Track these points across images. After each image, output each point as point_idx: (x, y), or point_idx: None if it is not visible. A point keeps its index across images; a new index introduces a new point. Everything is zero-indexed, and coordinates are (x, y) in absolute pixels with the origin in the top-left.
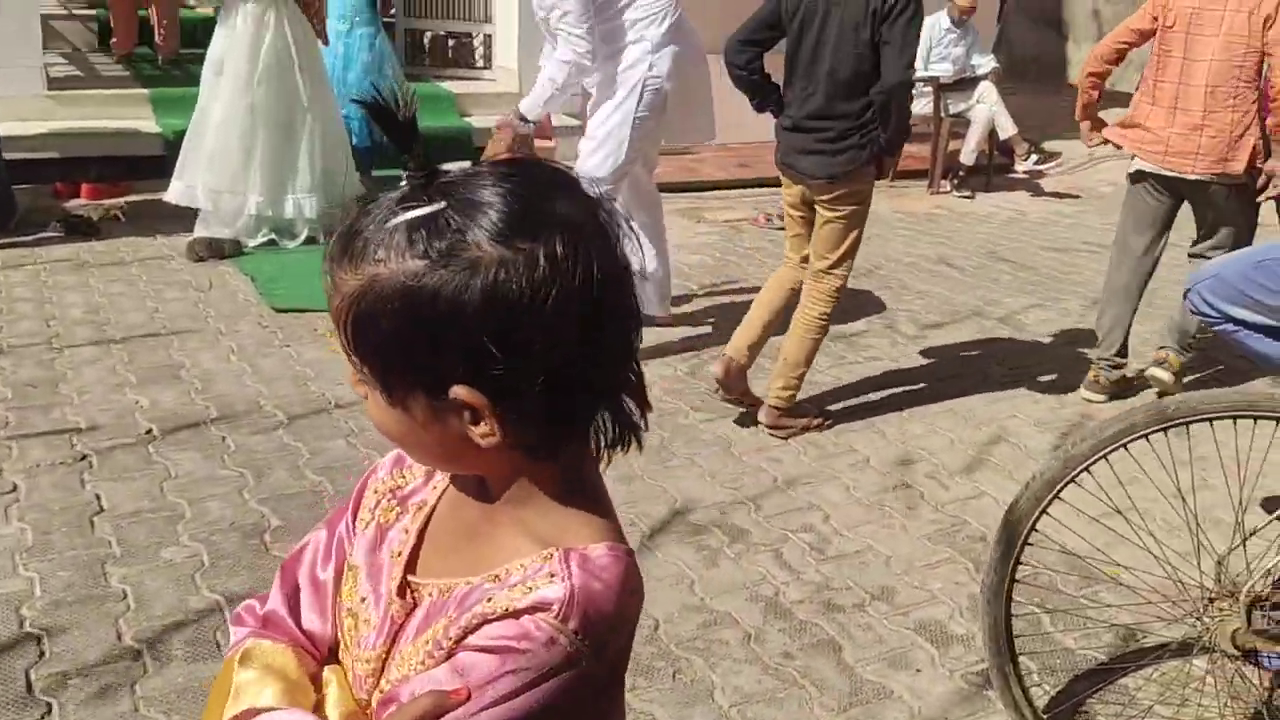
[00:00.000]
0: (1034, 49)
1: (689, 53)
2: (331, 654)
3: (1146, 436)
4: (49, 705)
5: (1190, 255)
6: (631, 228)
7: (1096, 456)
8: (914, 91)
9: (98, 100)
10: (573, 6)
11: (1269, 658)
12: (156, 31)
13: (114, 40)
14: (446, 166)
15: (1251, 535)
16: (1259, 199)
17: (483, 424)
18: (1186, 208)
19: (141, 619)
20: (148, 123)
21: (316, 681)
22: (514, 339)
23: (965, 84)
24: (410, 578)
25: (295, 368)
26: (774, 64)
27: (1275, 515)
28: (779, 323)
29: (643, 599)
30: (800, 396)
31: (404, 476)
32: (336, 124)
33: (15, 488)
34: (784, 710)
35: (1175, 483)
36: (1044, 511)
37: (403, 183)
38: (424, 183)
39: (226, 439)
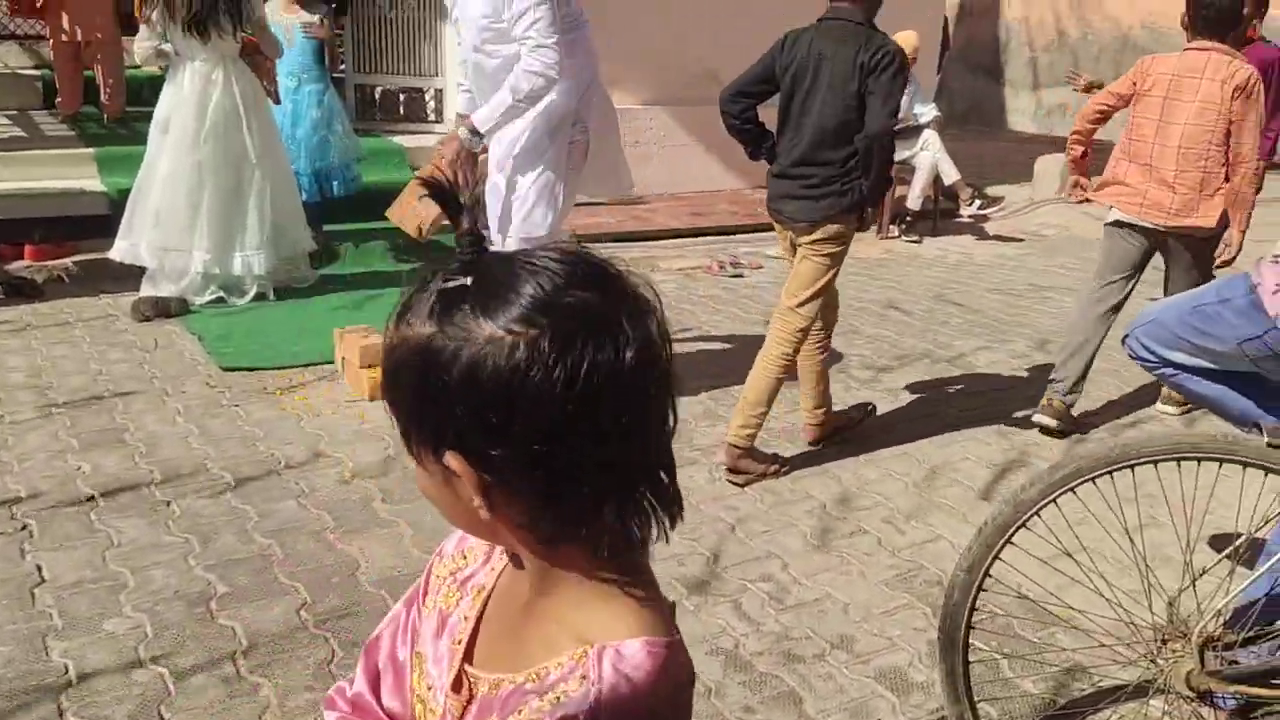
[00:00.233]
0: (974, 97)
1: (603, 102)
2: None
3: (1093, 479)
4: None
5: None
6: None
7: (1045, 501)
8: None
9: (42, 160)
10: (544, 14)
11: (1224, 698)
12: (102, 91)
13: (59, 100)
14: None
15: (1201, 575)
16: (1215, 262)
17: (475, 496)
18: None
19: (84, 694)
20: (92, 182)
21: None
22: (491, 416)
23: (909, 132)
24: (468, 667)
25: (244, 428)
26: (766, 115)
27: (1224, 554)
28: (826, 370)
29: (690, 689)
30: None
31: (464, 558)
32: (286, 180)
33: None
34: None
35: (1123, 523)
36: (996, 557)
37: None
38: (471, 256)
39: (171, 504)
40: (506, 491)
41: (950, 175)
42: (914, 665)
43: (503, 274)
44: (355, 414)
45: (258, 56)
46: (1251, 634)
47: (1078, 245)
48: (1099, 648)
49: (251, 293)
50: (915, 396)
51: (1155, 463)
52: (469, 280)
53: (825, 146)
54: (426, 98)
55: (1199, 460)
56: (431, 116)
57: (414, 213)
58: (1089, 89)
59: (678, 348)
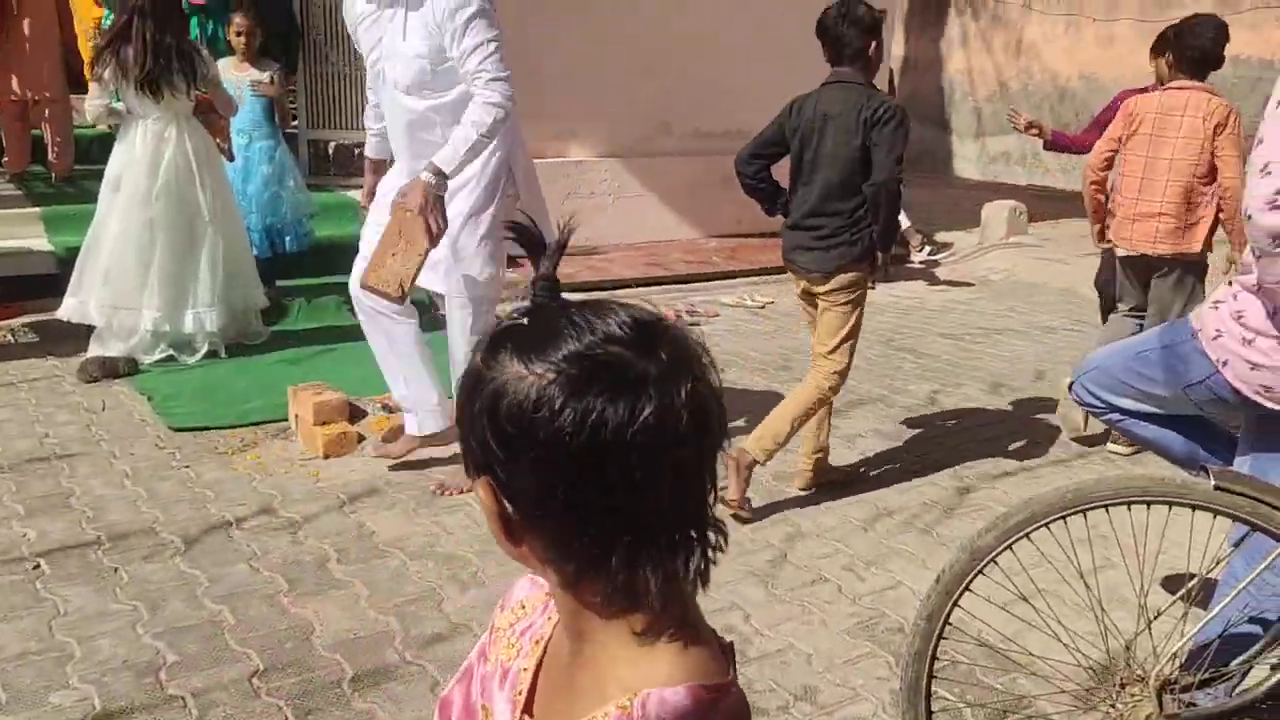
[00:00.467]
0: (921, 146)
1: (525, 155)
2: None
3: (1048, 525)
4: None
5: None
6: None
7: (1002, 547)
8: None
9: None
10: (497, 47)
11: None
12: (50, 150)
13: (6, 159)
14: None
15: (1156, 618)
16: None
17: (494, 521)
18: None
19: None
20: (40, 241)
21: None
22: (504, 448)
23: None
24: (527, 719)
25: (194, 489)
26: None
27: (1177, 596)
28: (829, 413)
29: None
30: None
31: (523, 608)
32: (240, 237)
33: None
34: None
35: (1078, 567)
36: (955, 604)
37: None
38: (543, 300)
39: (119, 570)
40: (526, 525)
41: (901, 222)
42: (878, 716)
43: (553, 319)
44: (309, 472)
45: (211, 115)
46: (1208, 675)
47: (1025, 289)
48: (1060, 693)
49: (202, 350)
50: (871, 442)
51: (1106, 507)
52: (525, 320)
53: (834, 199)
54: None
55: (1148, 504)
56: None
57: (392, 272)
58: (1029, 128)
59: None
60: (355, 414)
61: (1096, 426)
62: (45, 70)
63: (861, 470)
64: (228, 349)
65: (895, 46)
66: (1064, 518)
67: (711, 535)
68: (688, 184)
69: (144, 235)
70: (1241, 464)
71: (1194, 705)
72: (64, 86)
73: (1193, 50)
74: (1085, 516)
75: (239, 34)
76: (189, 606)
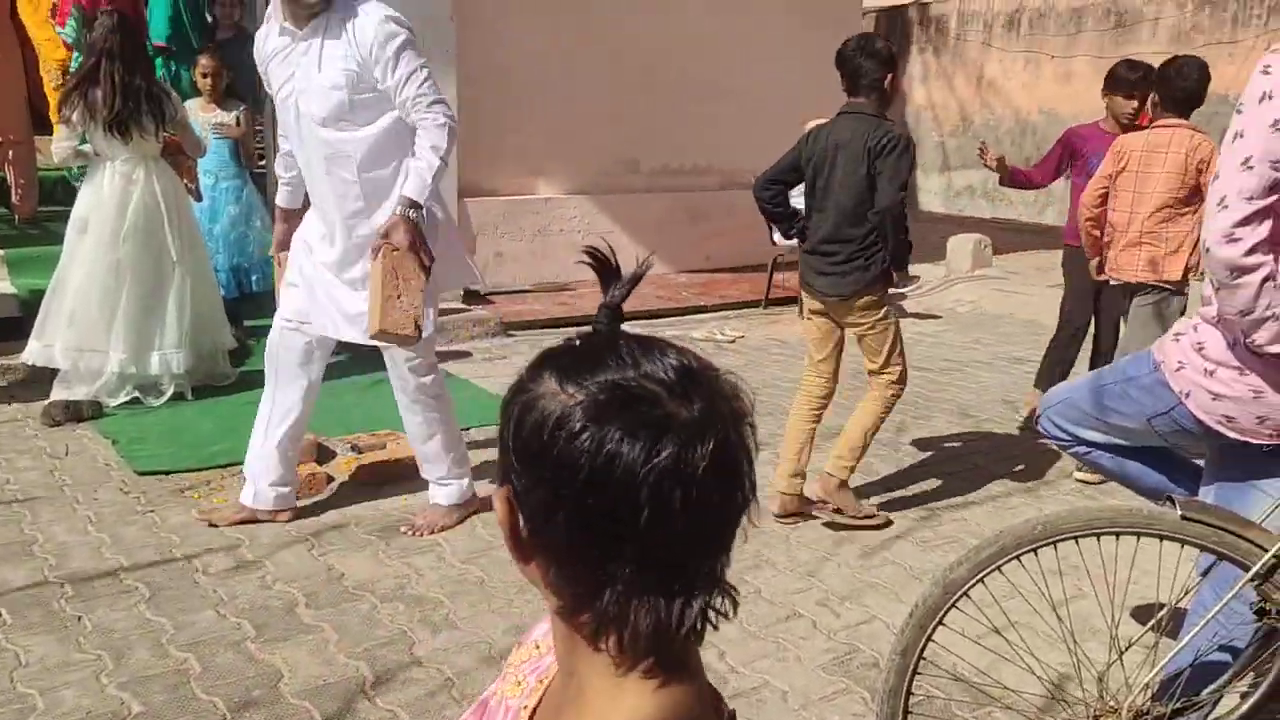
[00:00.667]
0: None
1: (439, 194)
2: None
3: (1018, 558)
4: None
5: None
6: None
7: (974, 580)
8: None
9: None
10: (428, 69)
11: None
12: (14, 192)
13: None
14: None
15: (1127, 649)
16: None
17: (504, 530)
18: None
19: None
20: (3, 284)
21: None
22: (524, 458)
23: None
24: None
25: (159, 534)
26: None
27: (1148, 626)
28: (812, 440)
29: None
30: None
31: (536, 648)
32: (207, 278)
33: None
34: None
35: (1049, 599)
36: (929, 639)
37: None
38: (602, 326)
39: (83, 618)
40: (534, 543)
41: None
42: None
43: (603, 346)
44: (281, 514)
45: (179, 156)
46: (1180, 705)
47: (991, 321)
48: None
49: (169, 392)
50: None
51: (1075, 539)
52: (578, 343)
53: (846, 225)
54: None
55: (1117, 535)
56: None
57: (404, 313)
58: (999, 163)
59: None
60: (324, 454)
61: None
62: (9, 112)
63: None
64: (194, 390)
65: None
66: (1034, 550)
67: (718, 597)
68: (657, 220)
69: (110, 277)
70: (1206, 494)
71: None
72: (28, 128)
73: (1180, 91)
74: (1055, 548)
75: (204, 75)
76: (154, 655)
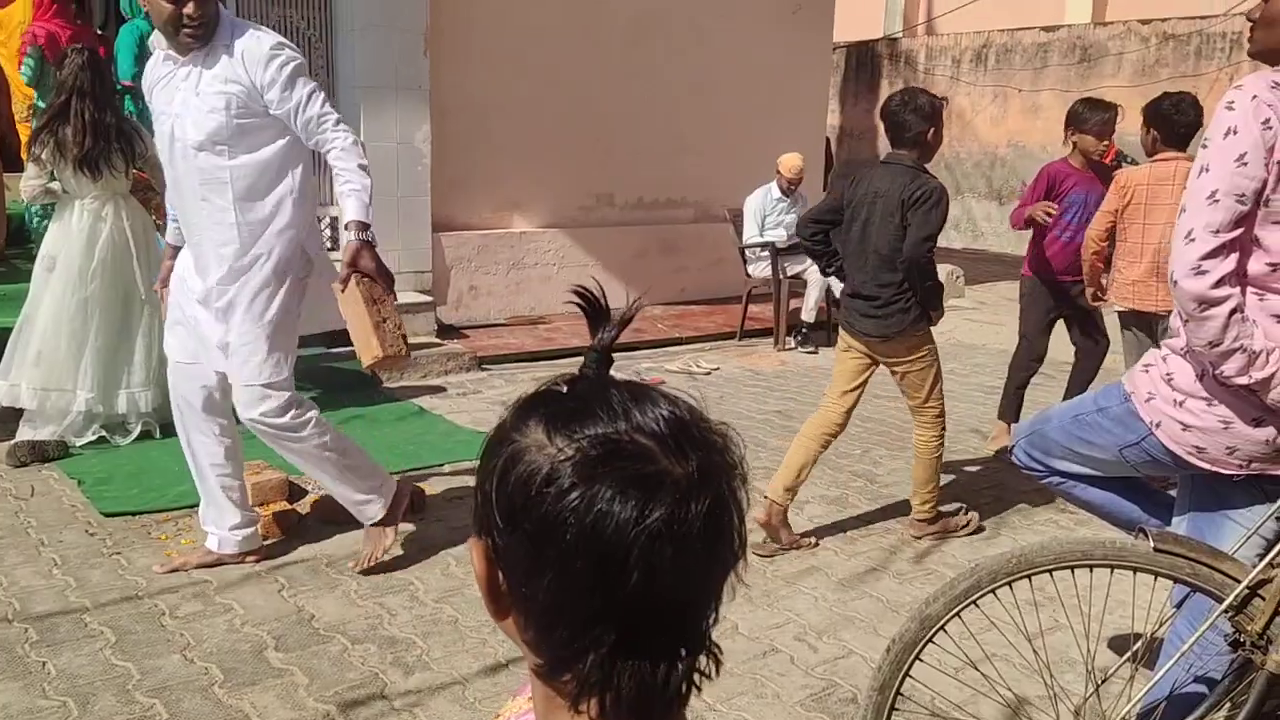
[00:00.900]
0: None
1: (315, 234)
2: None
3: (994, 591)
4: None
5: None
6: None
7: (950, 615)
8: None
9: None
10: (320, 90)
11: None
12: None
13: None
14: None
15: (1104, 682)
16: None
17: (480, 584)
18: None
19: None
20: None
21: None
22: (507, 513)
23: (800, 248)
24: None
25: (125, 577)
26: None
27: (1125, 658)
28: (814, 464)
29: None
30: None
31: (530, 701)
32: None
33: None
34: None
35: (1025, 631)
36: (907, 674)
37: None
38: (590, 372)
39: (47, 664)
40: (513, 600)
41: (840, 287)
42: None
43: (593, 394)
44: (247, 555)
45: (149, 193)
46: None
47: (965, 351)
48: None
49: (136, 431)
50: (820, 507)
51: (1050, 572)
52: (564, 390)
53: (885, 270)
54: (323, 225)
55: (1090, 568)
56: (328, 245)
57: (391, 335)
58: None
59: None
60: (295, 493)
61: None
62: None
63: (810, 538)
64: (162, 429)
65: (831, 117)
66: (1009, 583)
67: (703, 659)
68: (631, 253)
69: (78, 315)
70: (1179, 524)
71: None
72: None
73: (1183, 127)
74: (1030, 580)
75: None
76: (120, 701)
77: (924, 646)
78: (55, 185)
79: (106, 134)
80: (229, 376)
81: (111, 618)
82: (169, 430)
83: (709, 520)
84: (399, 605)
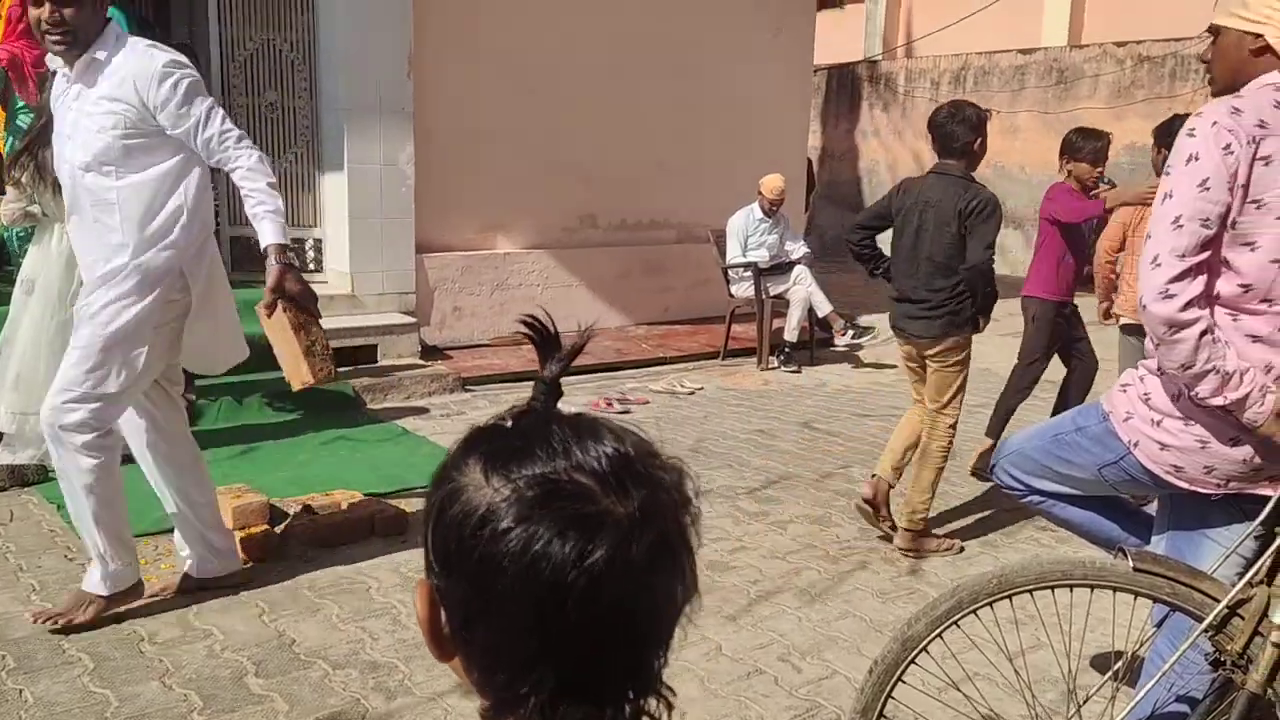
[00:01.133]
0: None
1: (215, 266)
2: None
3: (975, 611)
4: None
5: None
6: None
7: (932, 635)
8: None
9: None
10: (218, 107)
11: None
12: None
13: None
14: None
15: (1085, 702)
16: None
17: (423, 626)
18: None
19: None
20: None
21: None
22: (442, 553)
23: (782, 268)
24: None
25: None
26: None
27: (1106, 677)
28: (915, 445)
29: None
30: None
31: None
32: None
33: None
34: None
35: (1006, 651)
36: (889, 696)
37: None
38: (538, 404)
39: (24, 692)
40: (457, 642)
41: (823, 307)
42: None
43: (536, 430)
44: (226, 579)
45: None
46: None
47: None
48: None
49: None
50: (802, 527)
51: (1030, 592)
52: (508, 424)
53: (937, 276)
54: (307, 248)
55: (1071, 588)
56: (312, 266)
57: (321, 358)
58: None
59: None
60: (276, 516)
61: None
62: None
63: (794, 555)
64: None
65: (812, 138)
66: (990, 604)
67: (653, 701)
68: (615, 273)
69: (57, 339)
70: (1158, 543)
71: None
72: None
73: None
74: (1011, 600)
75: None
76: None
77: (906, 668)
78: (35, 209)
79: None
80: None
81: (90, 644)
82: None
83: (653, 560)
84: (381, 629)
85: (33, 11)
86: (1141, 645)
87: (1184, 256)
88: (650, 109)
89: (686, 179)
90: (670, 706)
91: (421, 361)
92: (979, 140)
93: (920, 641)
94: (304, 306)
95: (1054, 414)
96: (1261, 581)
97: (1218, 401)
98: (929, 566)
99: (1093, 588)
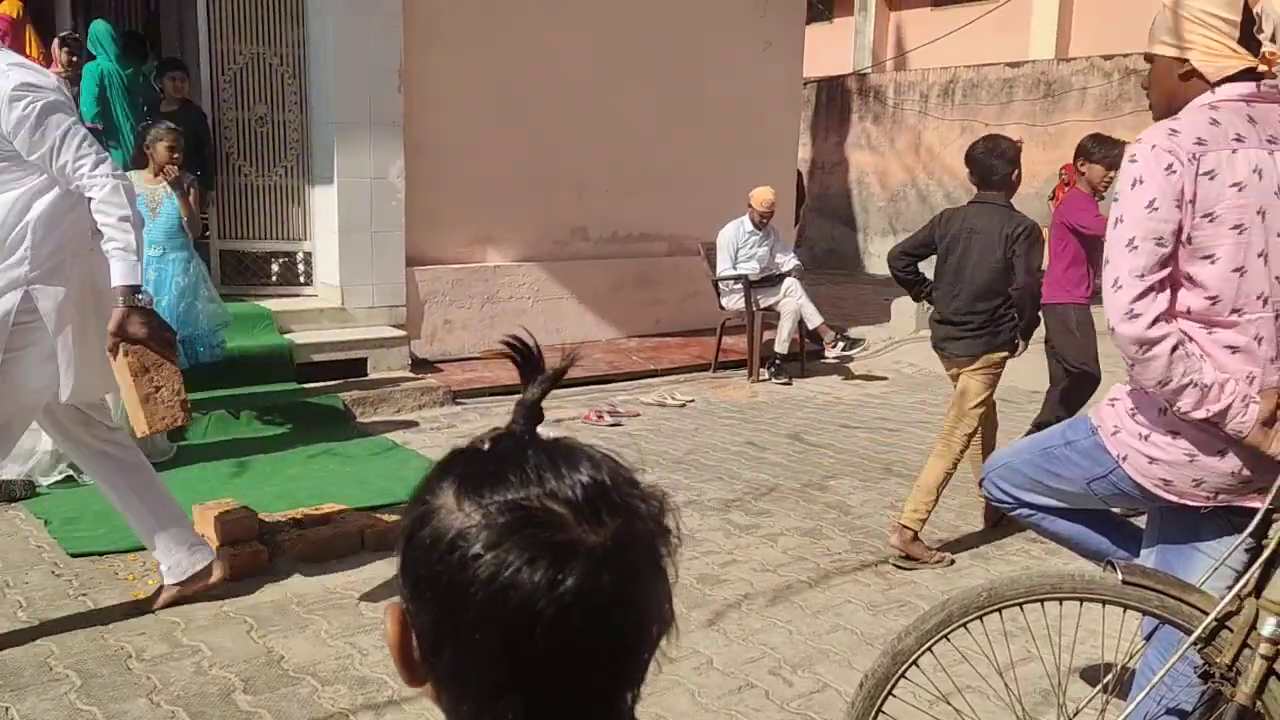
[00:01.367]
0: (831, 243)
1: (89, 297)
2: None
3: (965, 625)
4: None
5: None
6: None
7: (922, 649)
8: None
9: None
10: (80, 128)
11: None
12: None
13: None
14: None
15: (1076, 715)
16: None
17: (393, 649)
18: None
19: None
20: None
21: None
22: (411, 577)
23: (772, 280)
24: None
25: (91, 619)
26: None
27: (1096, 690)
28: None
29: None
30: None
31: None
32: None
33: None
34: None
35: (996, 665)
36: (880, 710)
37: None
38: (517, 427)
39: (10, 709)
40: (427, 668)
41: (814, 319)
42: None
43: (511, 454)
44: (214, 596)
45: None
46: None
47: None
48: None
49: None
50: (793, 539)
51: (1020, 605)
52: (486, 447)
53: (980, 299)
54: (296, 260)
55: (1060, 601)
56: (302, 279)
57: (165, 403)
58: None
59: None
60: (266, 531)
61: None
62: None
63: (785, 567)
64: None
65: (802, 150)
66: (980, 617)
67: None
68: (606, 286)
69: None
70: (1147, 556)
71: None
72: None
73: None
74: (1001, 612)
75: (170, 148)
76: None
77: (896, 682)
78: None
79: None
80: None
81: (77, 660)
82: None
83: (626, 590)
84: (370, 645)
85: None
86: (1131, 658)
87: (1143, 276)
88: (641, 122)
89: (677, 191)
90: None
91: (412, 375)
92: (1015, 171)
93: (910, 655)
94: (158, 350)
95: (1036, 426)
96: (1249, 594)
97: (1200, 415)
98: (919, 579)
99: (1082, 601)
